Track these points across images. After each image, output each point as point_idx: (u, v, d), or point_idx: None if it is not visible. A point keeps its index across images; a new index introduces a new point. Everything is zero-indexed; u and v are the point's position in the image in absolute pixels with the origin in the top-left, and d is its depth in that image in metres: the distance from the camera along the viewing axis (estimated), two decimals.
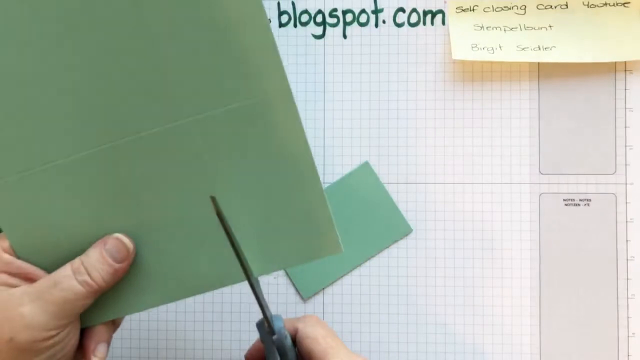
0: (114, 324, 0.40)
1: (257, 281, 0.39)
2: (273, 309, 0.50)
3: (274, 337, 0.37)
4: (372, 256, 0.50)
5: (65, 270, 0.36)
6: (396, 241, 0.50)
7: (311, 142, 0.50)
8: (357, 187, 0.50)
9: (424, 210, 0.50)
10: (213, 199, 0.36)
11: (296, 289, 0.50)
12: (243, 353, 0.50)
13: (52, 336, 0.36)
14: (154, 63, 0.36)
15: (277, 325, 0.38)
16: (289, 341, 0.38)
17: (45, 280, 0.36)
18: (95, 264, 0.36)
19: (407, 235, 0.50)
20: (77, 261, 0.37)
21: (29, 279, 0.37)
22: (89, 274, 0.36)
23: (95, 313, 0.39)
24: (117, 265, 0.37)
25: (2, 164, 0.37)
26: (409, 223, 0.50)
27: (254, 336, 0.50)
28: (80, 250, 0.37)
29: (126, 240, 0.38)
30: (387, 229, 0.50)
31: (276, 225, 0.38)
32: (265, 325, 0.38)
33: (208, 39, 0.36)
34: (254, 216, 0.38)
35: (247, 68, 0.36)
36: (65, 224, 0.37)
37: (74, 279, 0.36)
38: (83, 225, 0.38)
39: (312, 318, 0.40)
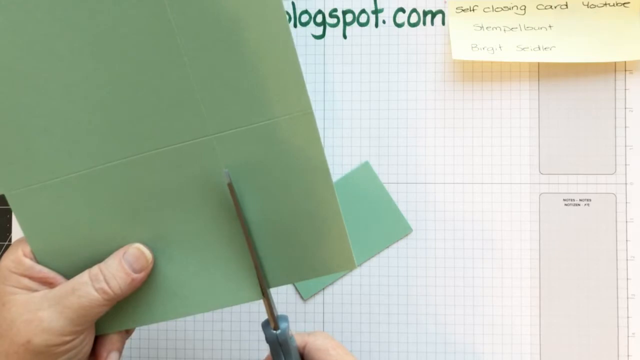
0: (127, 332, 0.41)
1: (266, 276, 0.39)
2: None
3: (278, 331, 0.38)
4: (372, 256, 0.50)
5: (83, 277, 0.37)
6: (396, 241, 0.50)
7: None
8: (357, 187, 0.50)
9: (424, 210, 0.50)
10: (226, 174, 0.37)
11: (296, 289, 0.50)
12: (243, 353, 0.50)
13: (68, 341, 0.36)
14: (179, 80, 0.37)
15: (282, 325, 0.38)
16: (294, 343, 0.39)
17: (64, 286, 0.37)
18: (114, 272, 0.37)
19: (407, 235, 0.50)
20: (95, 268, 0.37)
21: (49, 284, 0.37)
22: (106, 282, 0.36)
23: (110, 321, 0.39)
24: (134, 275, 0.37)
25: (27, 172, 0.37)
26: (409, 223, 0.50)
27: (254, 336, 0.50)
28: (100, 258, 0.38)
29: (146, 250, 0.38)
30: (387, 229, 0.50)
31: (291, 240, 0.38)
32: (270, 319, 0.38)
33: (234, 59, 0.36)
34: (270, 231, 0.38)
35: (270, 88, 0.37)
36: (86, 232, 0.38)
37: (91, 286, 0.36)
38: (103, 234, 0.38)
39: (322, 333, 0.41)
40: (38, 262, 0.38)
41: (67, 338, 0.36)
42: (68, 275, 0.38)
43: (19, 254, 0.37)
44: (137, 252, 0.38)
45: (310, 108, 0.37)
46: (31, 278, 0.37)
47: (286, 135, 0.37)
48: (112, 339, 0.39)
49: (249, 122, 0.37)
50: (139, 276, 0.37)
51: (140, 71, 0.36)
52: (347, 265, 0.39)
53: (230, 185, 0.37)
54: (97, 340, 0.39)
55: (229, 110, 0.37)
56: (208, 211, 0.38)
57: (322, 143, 0.50)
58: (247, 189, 0.38)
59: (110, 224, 0.38)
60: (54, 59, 0.36)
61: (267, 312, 0.38)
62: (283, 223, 0.38)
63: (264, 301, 0.38)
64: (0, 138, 0.37)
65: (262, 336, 0.50)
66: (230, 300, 0.39)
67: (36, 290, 0.37)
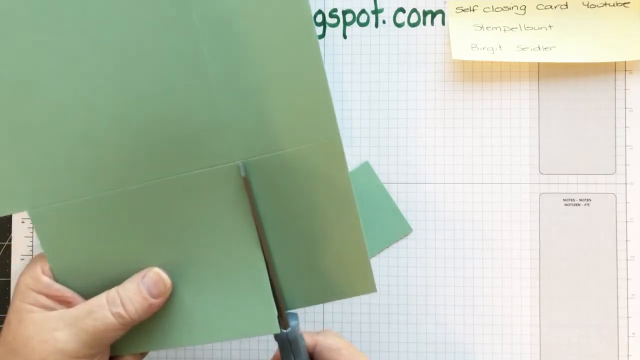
0: (141, 355, 0.41)
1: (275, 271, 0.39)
2: None
3: (288, 329, 0.38)
4: (372, 256, 0.50)
5: (101, 300, 0.37)
6: (396, 241, 0.50)
7: None
8: (357, 187, 0.50)
9: (424, 210, 0.50)
10: (242, 166, 0.37)
11: None
12: (243, 353, 0.50)
13: None
14: (206, 104, 0.37)
15: (292, 323, 0.38)
16: (303, 342, 0.39)
17: (81, 307, 0.36)
18: (131, 296, 0.37)
19: (407, 235, 0.50)
20: (113, 291, 0.37)
21: (66, 303, 0.37)
22: (123, 306, 0.36)
23: (126, 343, 0.39)
24: (152, 300, 0.37)
25: (50, 190, 0.37)
26: (409, 223, 0.50)
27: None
28: (119, 280, 0.38)
29: (164, 275, 0.38)
30: (387, 229, 0.50)
31: (311, 264, 0.39)
32: (279, 316, 0.38)
33: (262, 85, 0.36)
34: (291, 254, 0.38)
35: (298, 114, 0.37)
36: (106, 253, 0.38)
37: (108, 310, 0.36)
38: (123, 256, 0.38)
39: (331, 331, 0.41)
40: (56, 280, 0.38)
41: None
42: (86, 295, 0.38)
43: (37, 271, 0.37)
44: (155, 277, 0.37)
45: (338, 136, 0.37)
46: (48, 296, 0.37)
47: (312, 162, 0.37)
48: None
49: (275, 149, 0.37)
50: (157, 301, 0.37)
51: (167, 94, 0.37)
52: (367, 289, 0.39)
53: (245, 179, 0.37)
54: None
55: (255, 136, 0.37)
56: (229, 237, 0.38)
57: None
58: (270, 214, 0.38)
59: (131, 246, 0.38)
60: (82, 79, 0.36)
61: (276, 303, 0.38)
62: (305, 247, 0.38)
63: (271, 289, 0.38)
64: (25, 156, 0.37)
65: (263, 336, 0.50)
66: (248, 330, 0.39)
67: (53, 309, 0.37)
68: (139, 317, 0.37)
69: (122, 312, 0.36)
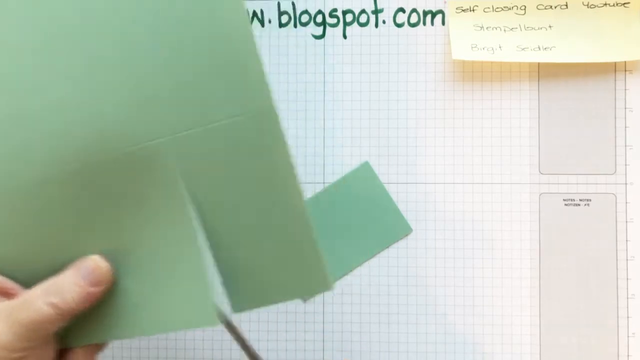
0: (97, 347, 0.38)
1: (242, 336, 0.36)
2: (274, 309, 0.50)
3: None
4: (372, 256, 0.50)
5: (36, 291, 0.35)
6: (396, 241, 0.50)
7: (311, 142, 0.50)
8: (357, 187, 0.50)
9: (424, 210, 0.50)
10: (220, 314, 0.34)
11: None
12: (243, 353, 0.50)
13: (21, 357, 0.34)
14: (133, 80, 0.34)
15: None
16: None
17: (17, 299, 0.35)
18: (68, 286, 0.35)
19: (407, 235, 0.50)
20: (50, 281, 0.35)
21: (7, 295, 0.36)
22: (60, 296, 0.35)
23: (74, 335, 0.37)
24: (90, 289, 0.35)
25: None
26: (409, 223, 0.50)
27: (254, 336, 0.50)
28: (59, 270, 0.36)
29: (103, 263, 0.36)
30: (387, 229, 0.50)
31: (257, 259, 0.36)
32: None
33: (187, 53, 0.34)
34: (236, 249, 0.36)
35: (229, 85, 0.34)
36: (42, 242, 0.36)
37: (42, 300, 0.34)
38: (60, 245, 0.36)
39: None
40: None
41: (20, 354, 0.34)
42: (29, 286, 0.36)
43: None
44: (93, 265, 0.36)
45: (273, 105, 0.34)
46: None
47: (247, 135, 0.34)
48: (77, 354, 0.37)
49: (205, 122, 0.34)
50: (96, 290, 0.35)
51: (96, 72, 0.34)
52: (321, 286, 0.36)
53: (227, 324, 0.34)
54: (63, 355, 0.37)
55: (184, 109, 0.34)
56: (167, 223, 0.35)
57: (322, 142, 0.50)
58: (207, 200, 0.35)
59: (66, 235, 0.36)
60: (7, 59, 0.35)
61: (246, 356, 0.36)
62: (248, 240, 0.36)
63: (239, 344, 0.35)
64: None
65: (264, 336, 0.50)
66: (188, 322, 0.36)
67: None
68: (77, 307, 0.35)
69: (59, 302, 0.34)
